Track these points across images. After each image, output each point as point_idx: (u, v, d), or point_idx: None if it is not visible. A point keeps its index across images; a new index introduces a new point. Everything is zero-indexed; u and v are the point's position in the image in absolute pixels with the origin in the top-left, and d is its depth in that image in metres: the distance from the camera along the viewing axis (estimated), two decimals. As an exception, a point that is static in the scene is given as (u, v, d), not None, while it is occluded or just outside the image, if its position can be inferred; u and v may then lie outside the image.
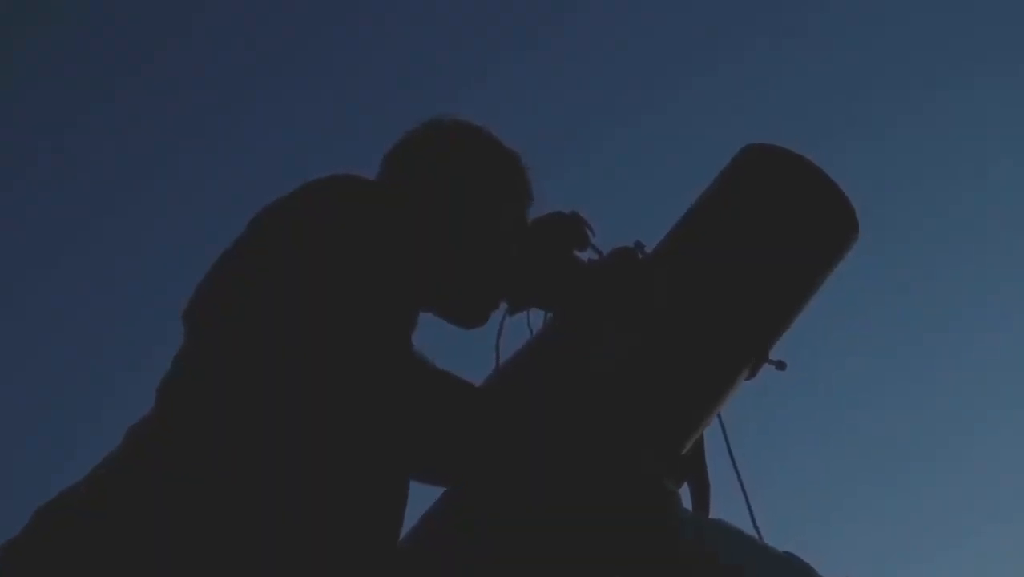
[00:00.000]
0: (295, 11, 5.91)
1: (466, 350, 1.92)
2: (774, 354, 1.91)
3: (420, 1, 5.89)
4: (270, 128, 5.92)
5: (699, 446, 1.90)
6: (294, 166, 5.32)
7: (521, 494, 1.66)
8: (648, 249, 1.92)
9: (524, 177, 1.96)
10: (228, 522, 1.47)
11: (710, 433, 1.92)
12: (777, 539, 1.80)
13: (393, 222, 1.65)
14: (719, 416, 1.92)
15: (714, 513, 1.88)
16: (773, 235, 1.91)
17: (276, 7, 5.98)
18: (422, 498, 1.77)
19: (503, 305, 1.93)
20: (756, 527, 1.87)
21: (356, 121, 5.75)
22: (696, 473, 1.89)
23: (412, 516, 1.72)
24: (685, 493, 1.86)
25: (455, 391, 1.61)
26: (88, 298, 5.75)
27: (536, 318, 1.94)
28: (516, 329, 1.92)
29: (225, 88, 5.91)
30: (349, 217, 1.62)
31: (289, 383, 1.53)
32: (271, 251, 1.61)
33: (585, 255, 1.94)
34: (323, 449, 1.53)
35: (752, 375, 1.90)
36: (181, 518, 1.46)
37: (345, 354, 1.54)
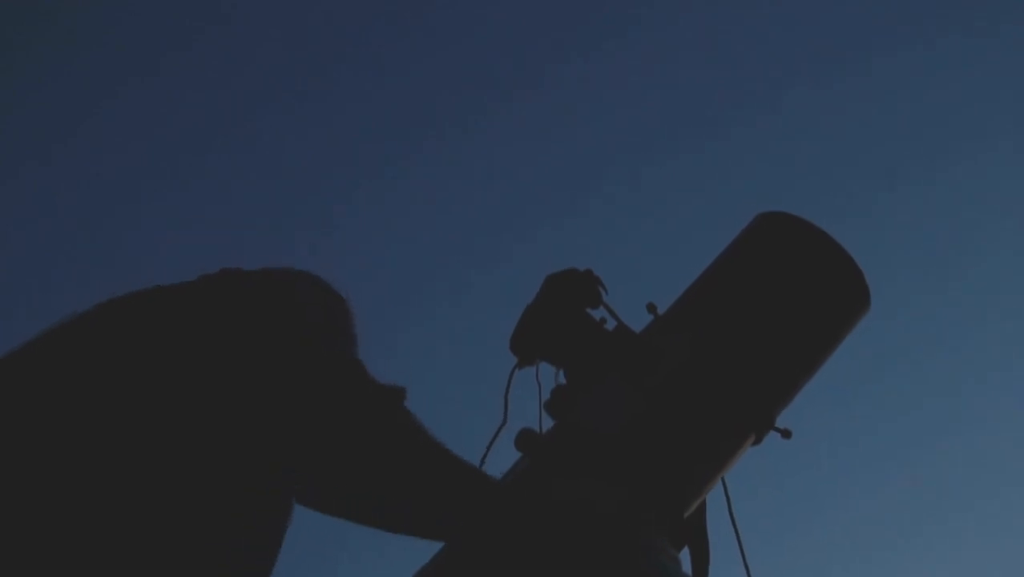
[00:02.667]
0: (295, 12, 5.92)
1: (477, 404, 1.92)
2: (781, 422, 1.91)
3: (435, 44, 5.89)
4: (271, 131, 5.92)
5: (701, 510, 1.91)
6: (296, 166, 5.33)
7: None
8: (660, 311, 1.93)
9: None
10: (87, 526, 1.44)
11: (712, 497, 1.92)
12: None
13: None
14: (723, 481, 1.92)
15: (713, 578, 1.88)
16: (784, 304, 1.91)
17: (276, 9, 5.98)
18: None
19: (512, 359, 1.94)
20: (755, 595, 1.88)
21: (357, 124, 5.76)
22: (697, 537, 1.89)
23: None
24: (685, 557, 1.86)
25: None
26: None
27: (546, 373, 1.94)
28: (525, 384, 1.93)
29: (225, 90, 5.91)
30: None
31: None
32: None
33: (597, 313, 1.95)
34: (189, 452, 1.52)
35: (758, 441, 1.91)
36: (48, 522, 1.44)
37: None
